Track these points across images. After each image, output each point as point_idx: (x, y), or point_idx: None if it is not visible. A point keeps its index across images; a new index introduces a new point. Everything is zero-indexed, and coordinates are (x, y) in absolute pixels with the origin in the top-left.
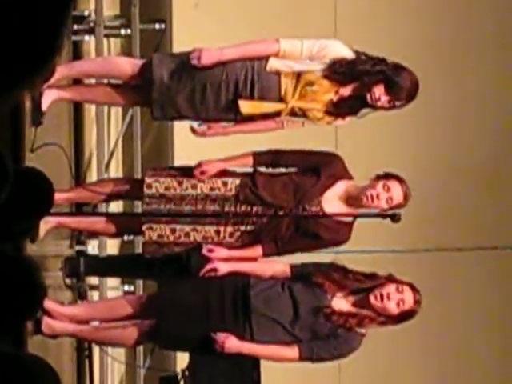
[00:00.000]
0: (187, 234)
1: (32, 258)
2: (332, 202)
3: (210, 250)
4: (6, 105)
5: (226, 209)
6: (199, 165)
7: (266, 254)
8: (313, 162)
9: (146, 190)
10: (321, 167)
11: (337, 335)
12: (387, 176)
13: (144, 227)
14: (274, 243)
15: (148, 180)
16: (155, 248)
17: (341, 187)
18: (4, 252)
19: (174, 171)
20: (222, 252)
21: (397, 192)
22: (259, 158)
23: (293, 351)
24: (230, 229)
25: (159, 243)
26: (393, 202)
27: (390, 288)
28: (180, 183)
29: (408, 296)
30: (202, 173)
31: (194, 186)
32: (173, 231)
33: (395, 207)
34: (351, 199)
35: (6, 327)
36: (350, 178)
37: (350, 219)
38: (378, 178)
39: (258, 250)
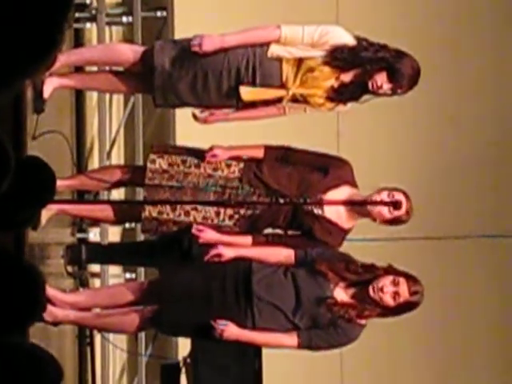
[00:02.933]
0: (187, 213)
1: (37, 268)
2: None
3: (200, 230)
4: (9, 93)
5: (228, 191)
6: (211, 148)
7: (254, 245)
8: (322, 163)
9: (149, 165)
10: (329, 168)
11: (336, 325)
12: (394, 188)
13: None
14: (264, 237)
15: (152, 156)
16: (154, 225)
17: (345, 192)
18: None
19: (179, 149)
20: (211, 234)
21: (401, 199)
22: (270, 151)
23: (292, 339)
24: (229, 211)
25: (159, 220)
26: (396, 213)
27: (386, 281)
28: (184, 161)
29: (403, 288)
30: (213, 156)
31: (198, 166)
32: (173, 209)
33: (397, 219)
34: (352, 206)
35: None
36: (355, 186)
37: (347, 226)
38: (383, 188)
39: (247, 240)
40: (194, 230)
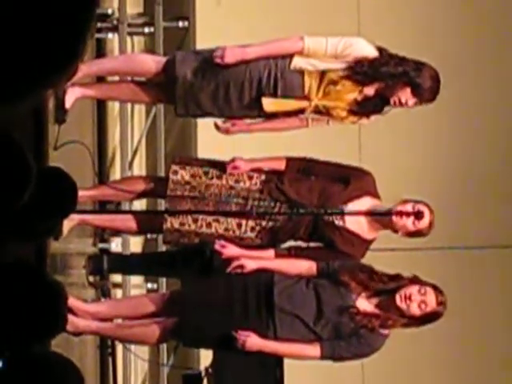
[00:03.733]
0: (209, 225)
1: (59, 283)
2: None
3: (223, 246)
4: (31, 104)
5: (250, 203)
6: (232, 160)
7: (277, 258)
8: (344, 174)
9: (171, 176)
10: (351, 178)
11: (359, 335)
12: (418, 200)
13: (166, 214)
14: (287, 250)
15: (174, 167)
16: (176, 236)
17: (366, 203)
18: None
19: (201, 161)
20: (234, 249)
21: (425, 218)
22: (292, 163)
23: (314, 350)
24: (251, 223)
25: (180, 231)
26: (419, 225)
27: (413, 289)
28: (206, 173)
29: (430, 298)
30: (235, 168)
31: (220, 177)
32: (195, 220)
33: (419, 232)
34: (375, 217)
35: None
36: (377, 197)
37: (369, 237)
38: (406, 201)
39: (270, 254)
40: (216, 246)
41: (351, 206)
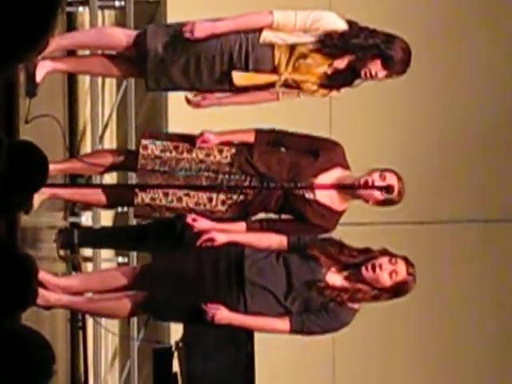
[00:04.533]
0: (180, 199)
1: (30, 256)
2: None
3: (194, 220)
4: (1, 78)
5: (220, 177)
6: (201, 134)
7: (248, 231)
8: (314, 146)
9: (141, 151)
10: (320, 150)
11: (328, 309)
12: (385, 168)
13: (137, 189)
14: (259, 222)
15: (144, 141)
16: (147, 211)
17: (336, 174)
18: (3, 247)
19: (171, 136)
20: (205, 222)
21: (393, 183)
22: (261, 135)
23: (284, 323)
24: (222, 196)
25: (151, 206)
26: (388, 195)
27: (384, 259)
28: (176, 147)
29: (401, 267)
30: (204, 141)
31: (190, 151)
32: (165, 195)
33: (389, 201)
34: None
35: None
36: (347, 167)
37: (340, 208)
38: (374, 169)
39: (241, 226)
40: (188, 220)
41: (321, 178)
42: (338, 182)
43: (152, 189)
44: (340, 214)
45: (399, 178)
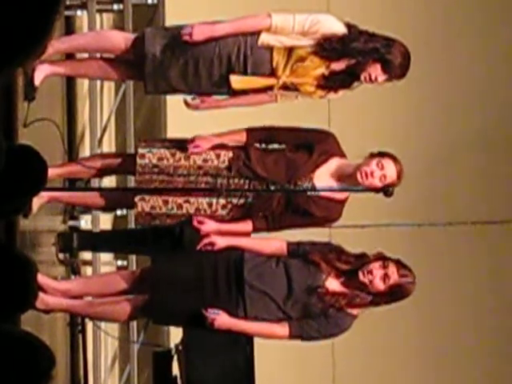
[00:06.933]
0: (180, 206)
1: (29, 259)
2: (324, 179)
3: (200, 222)
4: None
5: (219, 181)
6: (192, 140)
7: (255, 229)
8: (306, 139)
9: (138, 160)
10: (314, 144)
11: (328, 315)
12: (381, 154)
13: (137, 198)
14: (265, 218)
15: (141, 150)
16: (147, 219)
17: (333, 164)
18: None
19: (167, 143)
20: (212, 224)
21: (391, 170)
22: (253, 133)
23: (283, 329)
24: (222, 201)
25: (151, 214)
26: (386, 179)
27: (375, 264)
28: (173, 154)
29: (392, 270)
30: (196, 147)
31: (187, 158)
32: (165, 202)
33: (389, 186)
34: (344, 177)
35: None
36: (343, 155)
37: (341, 197)
38: (372, 155)
39: (248, 225)
40: (194, 223)
41: (320, 172)
42: (336, 173)
43: (152, 197)
44: (343, 202)
45: (396, 162)
